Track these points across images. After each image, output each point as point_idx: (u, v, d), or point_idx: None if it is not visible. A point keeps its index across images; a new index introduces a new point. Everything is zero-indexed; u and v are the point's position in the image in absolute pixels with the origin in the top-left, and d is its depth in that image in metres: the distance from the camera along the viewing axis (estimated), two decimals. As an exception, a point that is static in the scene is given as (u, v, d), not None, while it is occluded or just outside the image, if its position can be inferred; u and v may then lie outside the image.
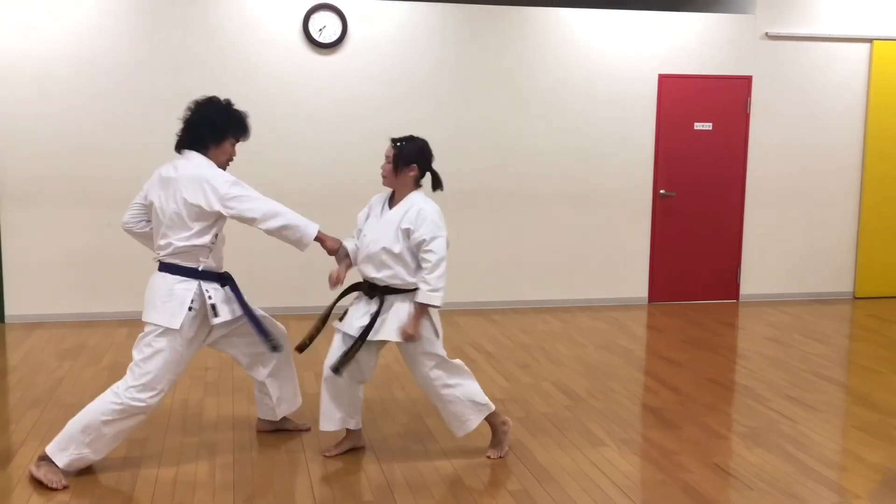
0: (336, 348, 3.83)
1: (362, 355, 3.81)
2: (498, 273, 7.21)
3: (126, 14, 6.43)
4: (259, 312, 3.95)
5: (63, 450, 3.57)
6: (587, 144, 7.24)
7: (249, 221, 3.67)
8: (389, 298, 3.77)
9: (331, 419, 3.90)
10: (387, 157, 3.82)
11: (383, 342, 3.82)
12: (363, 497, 3.51)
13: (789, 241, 7.69)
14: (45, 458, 3.59)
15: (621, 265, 7.44)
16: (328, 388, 3.86)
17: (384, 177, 3.84)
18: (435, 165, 3.86)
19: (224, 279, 3.81)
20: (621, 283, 7.46)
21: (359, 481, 3.66)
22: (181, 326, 3.60)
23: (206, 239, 3.65)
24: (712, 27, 7.32)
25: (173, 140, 3.78)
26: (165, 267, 3.68)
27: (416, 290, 3.71)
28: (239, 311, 3.79)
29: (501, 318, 6.85)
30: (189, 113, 3.74)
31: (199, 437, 4.16)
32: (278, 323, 4.12)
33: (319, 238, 3.77)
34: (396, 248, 3.70)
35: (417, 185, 3.86)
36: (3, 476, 3.65)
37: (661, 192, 7.39)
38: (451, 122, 6.97)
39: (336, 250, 3.84)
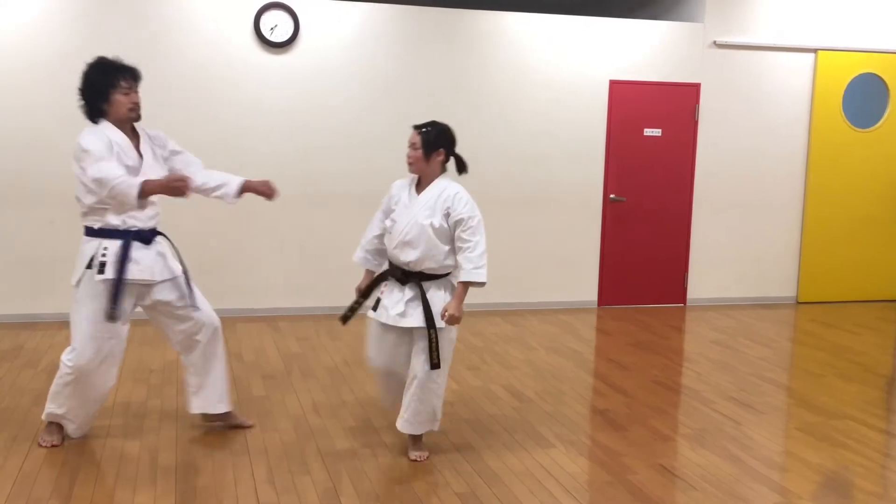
0: (374, 338, 3.89)
1: (392, 342, 3.82)
2: (449, 276, 7.19)
3: (72, 10, 6.28)
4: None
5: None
6: (540, 148, 7.27)
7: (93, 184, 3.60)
8: (425, 285, 3.76)
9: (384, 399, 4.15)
10: (412, 144, 3.83)
11: (417, 330, 3.76)
12: (308, 499, 3.46)
13: (735, 247, 7.81)
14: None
15: (572, 269, 7.48)
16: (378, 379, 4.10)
17: (411, 164, 3.84)
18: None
19: (142, 238, 3.78)
20: (572, 286, 7.50)
21: (304, 483, 3.61)
22: (78, 283, 3.75)
23: (94, 197, 3.67)
24: (663, 35, 7.41)
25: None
26: (84, 230, 3.81)
27: (448, 275, 3.76)
28: (145, 276, 3.76)
29: (452, 320, 6.82)
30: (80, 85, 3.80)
31: (139, 440, 4.08)
32: (213, 315, 4.01)
33: (146, 191, 3.52)
34: (437, 223, 3.69)
35: (444, 168, 3.88)
36: (-67, 480, 3.53)
37: (612, 196, 7.46)
38: (405, 124, 6.88)
39: (177, 186, 3.55)
